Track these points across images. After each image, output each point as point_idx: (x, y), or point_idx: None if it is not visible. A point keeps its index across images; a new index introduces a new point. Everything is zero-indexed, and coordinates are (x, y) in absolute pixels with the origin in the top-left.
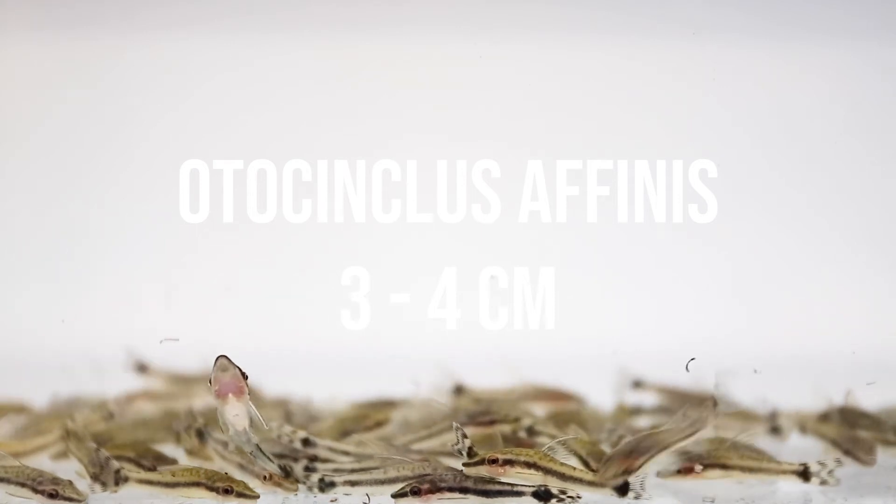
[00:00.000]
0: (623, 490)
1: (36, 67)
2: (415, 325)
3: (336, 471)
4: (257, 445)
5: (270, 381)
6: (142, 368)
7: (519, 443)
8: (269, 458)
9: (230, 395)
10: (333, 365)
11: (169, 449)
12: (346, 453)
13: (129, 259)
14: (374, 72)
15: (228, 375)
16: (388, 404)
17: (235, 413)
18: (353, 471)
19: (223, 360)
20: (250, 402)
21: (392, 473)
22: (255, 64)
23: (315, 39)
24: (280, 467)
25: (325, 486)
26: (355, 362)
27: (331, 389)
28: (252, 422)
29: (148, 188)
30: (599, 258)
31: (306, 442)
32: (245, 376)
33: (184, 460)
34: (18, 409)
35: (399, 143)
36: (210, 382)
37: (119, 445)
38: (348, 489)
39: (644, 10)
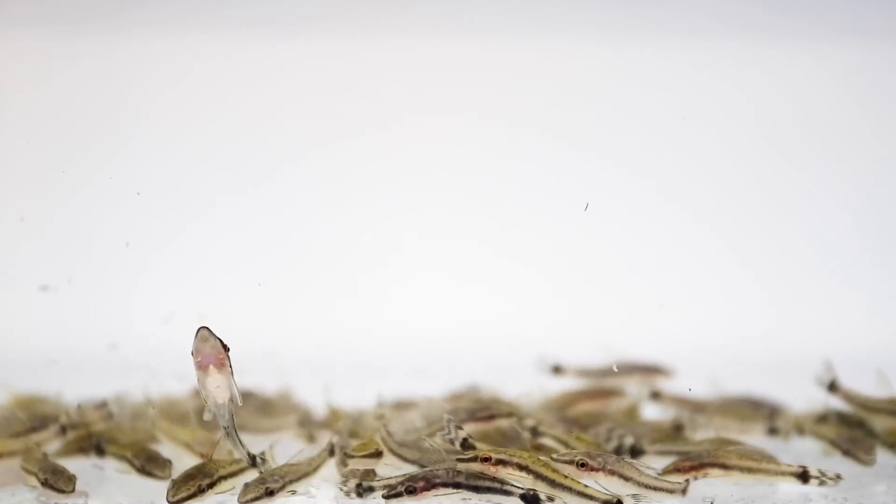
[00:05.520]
0: None
1: (34, 64)
2: (431, 324)
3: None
4: (233, 425)
5: (273, 381)
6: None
7: (530, 446)
8: (240, 442)
9: (211, 366)
10: (335, 365)
11: (166, 450)
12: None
13: (131, 256)
14: (381, 73)
15: (209, 346)
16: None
17: (217, 385)
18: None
19: (204, 331)
20: (232, 377)
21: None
22: (260, 63)
23: (321, 39)
24: (248, 455)
25: (364, 491)
26: (358, 362)
27: (333, 390)
28: (232, 397)
29: (150, 185)
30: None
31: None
32: (227, 348)
33: (179, 462)
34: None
35: (404, 146)
36: (192, 354)
37: (121, 445)
38: (387, 491)
39: (648, 10)
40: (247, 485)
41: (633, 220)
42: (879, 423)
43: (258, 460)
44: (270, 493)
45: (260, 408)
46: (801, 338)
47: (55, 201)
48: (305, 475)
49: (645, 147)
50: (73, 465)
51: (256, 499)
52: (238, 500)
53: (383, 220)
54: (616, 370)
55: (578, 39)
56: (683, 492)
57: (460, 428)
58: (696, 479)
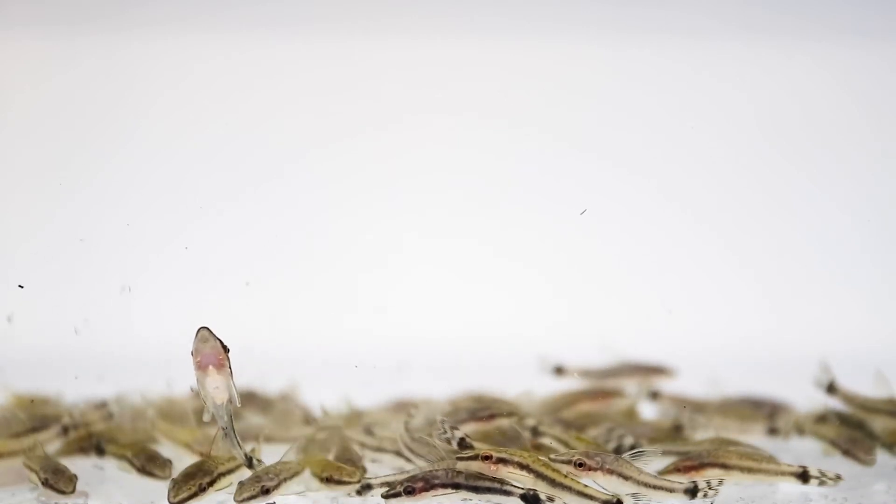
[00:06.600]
0: None
1: (34, 64)
2: (430, 326)
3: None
4: (232, 425)
5: (275, 381)
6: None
7: (530, 446)
8: (238, 442)
9: (210, 366)
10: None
11: (166, 450)
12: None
13: (130, 256)
14: (381, 73)
15: (208, 347)
16: (391, 405)
17: (216, 385)
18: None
19: (204, 332)
20: (231, 378)
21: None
22: (260, 63)
23: (321, 39)
24: (245, 456)
25: (363, 489)
26: (358, 363)
27: (336, 391)
28: (231, 398)
29: (150, 184)
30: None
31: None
32: (226, 349)
33: (178, 461)
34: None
35: (404, 146)
36: (192, 354)
37: (121, 445)
38: (386, 491)
39: (648, 10)
40: (241, 483)
41: (633, 220)
42: (879, 424)
43: (254, 461)
44: (266, 492)
45: (261, 409)
46: (800, 338)
47: (55, 200)
48: (297, 473)
49: (645, 147)
50: (73, 465)
51: (253, 497)
52: (234, 499)
53: (383, 220)
54: (577, 376)
55: (578, 39)
56: (693, 493)
57: (456, 428)
58: (710, 489)
